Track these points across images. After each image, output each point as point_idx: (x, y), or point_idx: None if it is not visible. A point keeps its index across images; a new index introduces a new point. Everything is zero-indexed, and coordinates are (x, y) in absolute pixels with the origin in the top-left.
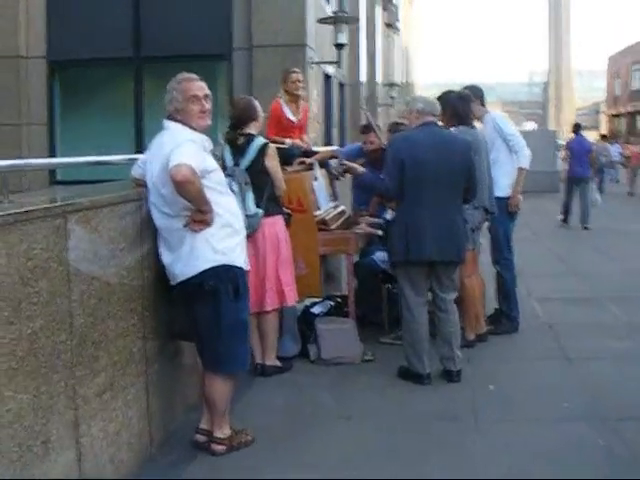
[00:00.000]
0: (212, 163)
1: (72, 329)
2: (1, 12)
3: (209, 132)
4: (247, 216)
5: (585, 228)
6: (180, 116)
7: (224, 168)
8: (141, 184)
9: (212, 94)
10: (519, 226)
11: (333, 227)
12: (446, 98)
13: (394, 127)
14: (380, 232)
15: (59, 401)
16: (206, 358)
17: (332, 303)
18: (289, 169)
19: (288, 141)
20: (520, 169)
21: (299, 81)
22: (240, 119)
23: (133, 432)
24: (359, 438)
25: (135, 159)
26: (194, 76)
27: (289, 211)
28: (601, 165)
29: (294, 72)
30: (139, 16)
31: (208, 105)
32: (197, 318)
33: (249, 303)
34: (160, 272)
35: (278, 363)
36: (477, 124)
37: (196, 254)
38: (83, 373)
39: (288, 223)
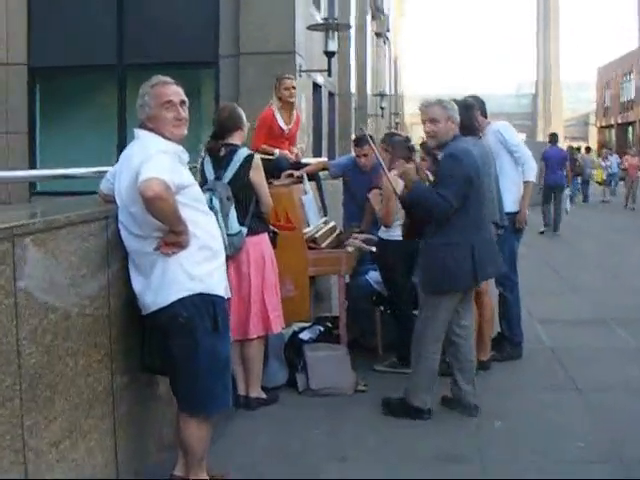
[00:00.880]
0: (188, 177)
1: (21, 371)
2: None
3: (192, 144)
4: (229, 235)
5: (555, 232)
6: (152, 124)
7: (204, 181)
8: (110, 200)
9: (197, 103)
10: None
11: (323, 245)
12: None
13: (390, 138)
14: (373, 248)
15: (4, 457)
16: (181, 398)
17: (322, 328)
18: (276, 182)
19: (277, 152)
20: (527, 182)
21: (293, 87)
22: (223, 127)
23: None
24: None
25: (104, 172)
26: (169, 80)
27: (275, 229)
28: (587, 177)
29: (288, 78)
30: (123, 22)
31: (184, 113)
32: (171, 353)
33: (230, 334)
34: (130, 299)
35: (263, 395)
36: None
37: (169, 281)
38: (34, 421)
39: (274, 242)
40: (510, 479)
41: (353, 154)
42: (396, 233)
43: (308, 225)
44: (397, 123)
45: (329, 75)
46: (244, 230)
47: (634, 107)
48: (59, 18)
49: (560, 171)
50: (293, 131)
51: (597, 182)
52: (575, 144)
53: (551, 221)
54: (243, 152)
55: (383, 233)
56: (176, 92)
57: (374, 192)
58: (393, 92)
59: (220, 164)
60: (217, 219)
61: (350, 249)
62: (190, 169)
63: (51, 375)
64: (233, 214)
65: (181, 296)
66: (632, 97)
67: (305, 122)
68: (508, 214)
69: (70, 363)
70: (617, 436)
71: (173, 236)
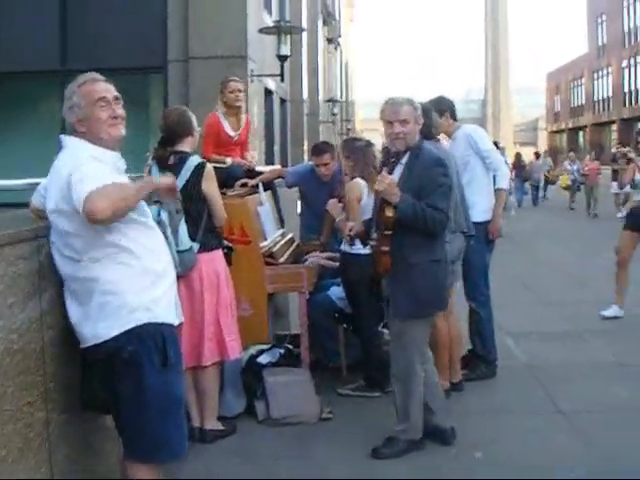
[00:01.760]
0: None
1: None
2: None
3: (139, 152)
4: (179, 252)
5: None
6: (85, 127)
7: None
8: (44, 216)
9: (145, 109)
10: None
11: (282, 260)
12: None
13: (351, 144)
14: (337, 264)
15: None
16: (128, 443)
17: (281, 351)
18: (230, 192)
19: (229, 160)
20: (499, 190)
21: (239, 91)
22: (172, 134)
23: None
24: None
25: (37, 184)
26: (99, 76)
27: (230, 244)
28: (536, 182)
29: (232, 80)
30: (66, 26)
31: (120, 110)
32: (115, 393)
33: (183, 370)
34: (68, 329)
35: (220, 426)
36: (444, 141)
37: (109, 312)
38: None
39: (229, 258)
40: (510, 479)
41: (311, 163)
42: (360, 246)
43: (265, 238)
44: (349, 129)
45: (282, 80)
46: (196, 246)
47: (584, 112)
48: None
49: None
50: (243, 137)
51: (563, 187)
52: (525, 149)
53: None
54: (194, 160)
55: (346, 247)
56: (107, 89)
57: (332, 202)
58: (344, 98)
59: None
60: (165, 234)
61: (311, 264)
62: (135, 179)
63: None
64: (183, 229)
65: (124, 329)
66: (583, 102)
67: (257, 128)
68: (479, 223)
69: None
70: (611, 465)
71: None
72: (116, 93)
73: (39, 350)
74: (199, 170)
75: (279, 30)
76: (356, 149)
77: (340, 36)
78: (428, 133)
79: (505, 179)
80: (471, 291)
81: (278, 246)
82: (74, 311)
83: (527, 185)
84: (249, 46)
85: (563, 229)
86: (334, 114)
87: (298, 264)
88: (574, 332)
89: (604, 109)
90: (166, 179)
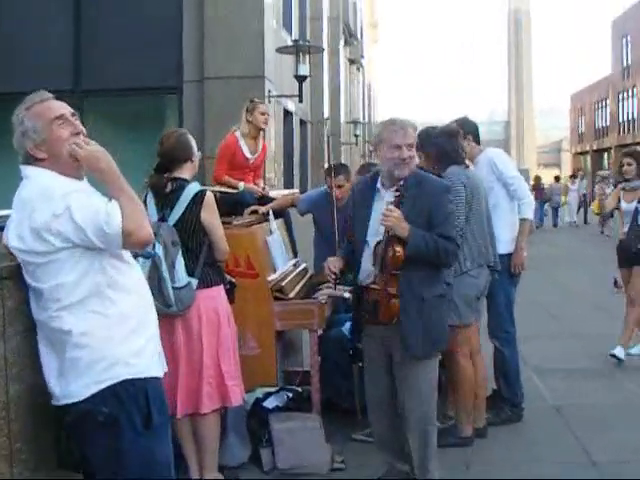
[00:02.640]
0: None
1: None
2: None
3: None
4: (176, 288)
5: None
6: (45, 151)
7: None
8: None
9: (160, 131)
10: None
11: (292, 295)
12: (428, 136)
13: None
14: (347, 295)
15: None
16: None
17: (289, 394)
18: (236, 221)
19: (242, 184)
20: (523, 220)
21: (268, 114)
22: (169, 159)
23: None
24: None
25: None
26: (47, 94)
27: (233, 279)
28: (556, 204)
29: (263, 103)
30: (80, 45)
31: (81, 126)
32: (91, 458)
33: (169, 430)
34: (37, 381)
35: (220, 476)
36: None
37: (82, 368)
38: None
39: (232, 295)
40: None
41: (324, 187)
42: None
43: (275, 270)
44: (371, 151)
45: (300, 101)
46: (194, 282)
47: (609, 133)
48: (12, 40)
49: None
50: (259, 161)
51: (595, 213)
52: (549, 171)
53: None
54: (193, 188)
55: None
56: (62, 105)
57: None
58: (367, 120)
59: (165, 202)
60: (160, 269)
61: (323, 298)
62: None
63: None
64: (180, 263)
65: (99, 388)
66: (607, 123)
67: (275, 151)
68: (502, 256)
69: None
70: None
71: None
72: (71, 109)
73: (2, 407)
74: (198, 198)
75: (297, 49)
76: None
77: (363, 57)
78: (456, 157)
79: (530, 208)
80: (494, 329)
81: (288, 279)
82: (47, 362)
83: (546, 207)
84: (266, 66)
85: (589, 255)
86: (356, 135)
87: (310, 299)
88: (603, 369)
89: (629, 130)
90: None
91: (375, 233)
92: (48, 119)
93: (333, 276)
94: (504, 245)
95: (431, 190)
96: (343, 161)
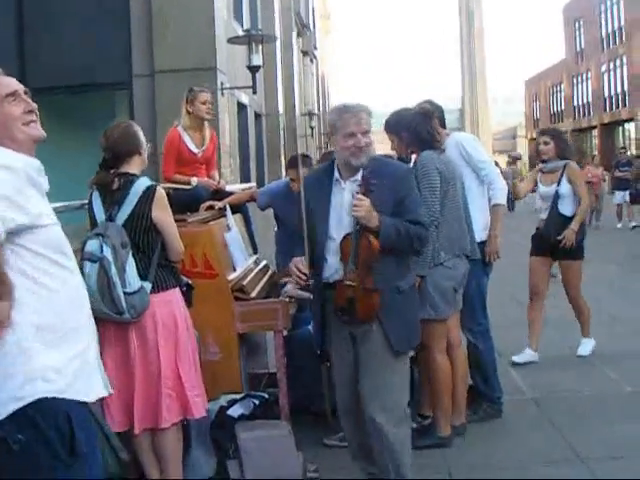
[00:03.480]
0: (42, 209)
1: None
2: None
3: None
4: (127, 294)
5: None
6: None
7: (94, 224)
8: None
9: None
10: None
11: (254, 294)
12: (401, 118)
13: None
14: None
15: None
16: None
17: (256, 401)
18: (191, 219)
19: (195, 180)
20: (496, 206)
21: (210, 102)
22: (115, 153)
23: None
24: None
25: None
26: None
27: (190, 280)
28: (510, 188)
29: (203, 91)
30: (24, 42)
31: (34, 104)
32: None
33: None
34: None
35: None
36: None
37: None
38: None
39: (189, 299)
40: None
41: (286, 179)
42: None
43: (234, 269)
44: (327, 143)
45: (254, 92)
46: (147, 286)
47: (564, 118)
48: None
49: None
50: (208, 153)
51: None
52: (503, 158)
53: None
54: (142, 183)
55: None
56: (13, 81)
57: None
58: (322, 111)
59: (112, 200)
60: (109, 273)
61: (286, 297)
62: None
63: None
64: (131, 265)
65: (11, 410)
66: (562, 108)
67: (230, 145)
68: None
69: None
70: None
71: None
72: (23, 86)
73: None
74: (148, 194)
75: (250, 39)
76: None
77: (316, 48)
78: (432, 141)
79: (502, 193)
80: (467, 321)
81: (249, 277)
82: None
83: None
84: (218, 57)
85: None
86: (312, 127)
87: (273, 298)
88: (582, 357)
89: (584, 114)
90: None
91: (338, 226)
92: (0, 95)
93: (304, 277)
94: (477, 233)
95: (394, 176)
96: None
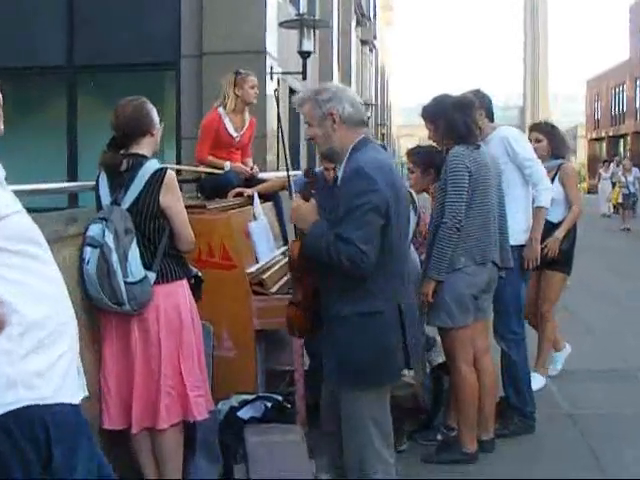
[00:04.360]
0: (7, 201)
1: None
2: None
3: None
4: (129, 284)
5: None
6: None
7: (100, 207)
8: None
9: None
10: None
11: (274, 290)
12: (438, 105)
13: None
14: None
15: None
16: None
17: (268, 404)
18: (211, 205)
19: (228, 164)
20: (539, 208)
21: (258, 87)
22: (125, 132)
23: None
24: None
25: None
26: None
27: (199, 272)
28: None
29: (250, 75)
30: (73, 20)
31: None
32: None
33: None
34: None
35: None
36: None
37: None
38: None
39: (198, 292)
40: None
41: (320, 167)
42: None
43: (257, 261)
44: (383, 134)
45: (303, 78)
46: (151, 276)
47: (626, 119)
48: (7, 18)
49: None
50: (245, 139)
51: (614, 204)
52: None
53: None
54: (151, 166)
55: None
56: None
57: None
58: (379, 102)
59: (119, 183)
60: (110, 261)
61: None
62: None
63: None
64: (134, 253)
65: None
66: (624, 109)
67: (275, 130)
68: (513, 247)
69: None
70: None
71: None
72: None
73: None
74: (157, 178)
75: (302, 24)
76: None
77: (375, 38)
78: (467, 135)
79: (547, 195)
80: (500, 328)
81: (272, 271)
82: None
83: None
84: (268, 40)
85: (610, 249)
86: (367, 118)
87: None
88: (624, 371)
89: None
90: None
91: None
92: None
93: None
94: (516, 236)
95: (342, 176)
96: None
